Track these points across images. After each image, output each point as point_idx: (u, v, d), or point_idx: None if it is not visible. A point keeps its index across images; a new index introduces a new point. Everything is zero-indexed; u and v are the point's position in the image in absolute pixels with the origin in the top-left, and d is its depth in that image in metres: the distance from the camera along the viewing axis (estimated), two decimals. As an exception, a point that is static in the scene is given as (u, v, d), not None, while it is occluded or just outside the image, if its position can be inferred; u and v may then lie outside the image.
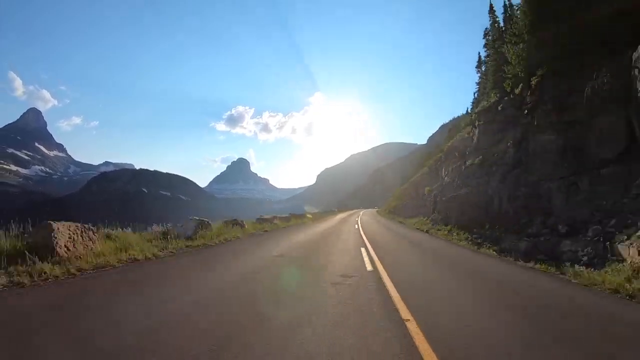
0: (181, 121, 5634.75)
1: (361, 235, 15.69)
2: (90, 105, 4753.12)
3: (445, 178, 22.71)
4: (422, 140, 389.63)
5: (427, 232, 18.04)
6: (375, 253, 9.80)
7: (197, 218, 11.94)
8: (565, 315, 4.53)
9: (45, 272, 5.25)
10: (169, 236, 9.90)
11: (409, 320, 3.98)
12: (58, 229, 6.20)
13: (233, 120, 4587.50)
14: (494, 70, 22.19)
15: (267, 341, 3.28)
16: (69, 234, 6.46)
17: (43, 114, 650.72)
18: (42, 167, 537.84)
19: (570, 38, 13.91)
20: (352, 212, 66.06)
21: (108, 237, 7.81)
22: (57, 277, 5.40)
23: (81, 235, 6.72)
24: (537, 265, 8.20)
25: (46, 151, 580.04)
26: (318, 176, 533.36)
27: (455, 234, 14.32)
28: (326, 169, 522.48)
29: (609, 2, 12.23)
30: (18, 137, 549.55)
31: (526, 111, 14.42)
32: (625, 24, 12.14)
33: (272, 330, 3.59)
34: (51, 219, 6.67)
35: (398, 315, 4.17)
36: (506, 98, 17.73)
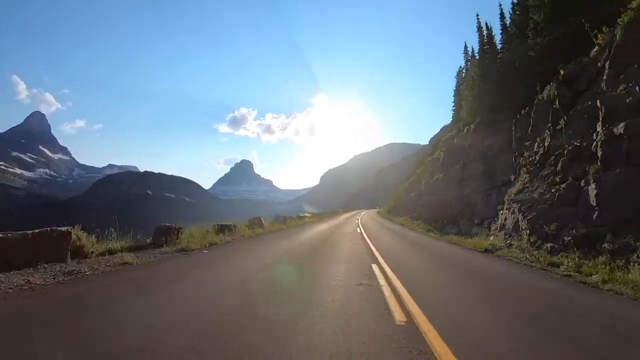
0: (184, 123, 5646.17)
1: (358, 224, 25.07)
2: (93, 108, 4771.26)
3: (422, 187, 30.91)
4: (424, 140, 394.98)
5: (403, 225, 26.68)
6: (364, 230, 18.22)
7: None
8: (444, 257, 12.55)
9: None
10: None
11: (377, 257, 12.06)
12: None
13: (236, 122, 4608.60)
14: (457, 108, 30.17)
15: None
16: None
17: (47, 117, 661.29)
18: (47, 170, 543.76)
19: (496, 97, 21.83)
20: (355, 212, 75.56)
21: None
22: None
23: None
24: (455, 239, 16.21)
25: (50, 154, 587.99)
26: (321, 177, 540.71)
27: (421, 225, 22.52)
28: (329, 170, 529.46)
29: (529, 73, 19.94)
30: (22, 141, 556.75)
31: (466, 146, 22.57)
32: (524, 96, 20.07)
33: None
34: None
35: (372, 253, 12.21)
36: (460, 133, 25.98)
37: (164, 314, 4.16)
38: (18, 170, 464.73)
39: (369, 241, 14.03)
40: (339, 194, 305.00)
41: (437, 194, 24.46)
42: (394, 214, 48.71)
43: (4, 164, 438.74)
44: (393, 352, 3.18)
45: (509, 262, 9.32)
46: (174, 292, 5.31)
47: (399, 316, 4.18)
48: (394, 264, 8.56)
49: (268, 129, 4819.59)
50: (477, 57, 28.92)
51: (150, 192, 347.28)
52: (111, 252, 8.26)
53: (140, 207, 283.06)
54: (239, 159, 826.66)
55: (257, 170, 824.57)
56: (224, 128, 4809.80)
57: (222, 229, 14.09)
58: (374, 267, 8.07)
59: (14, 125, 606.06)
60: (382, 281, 6.30)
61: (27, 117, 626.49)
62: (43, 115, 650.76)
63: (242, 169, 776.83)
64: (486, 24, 27.17)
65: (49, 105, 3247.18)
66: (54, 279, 5.71)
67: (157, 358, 2.94)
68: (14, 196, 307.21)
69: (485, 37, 26.51)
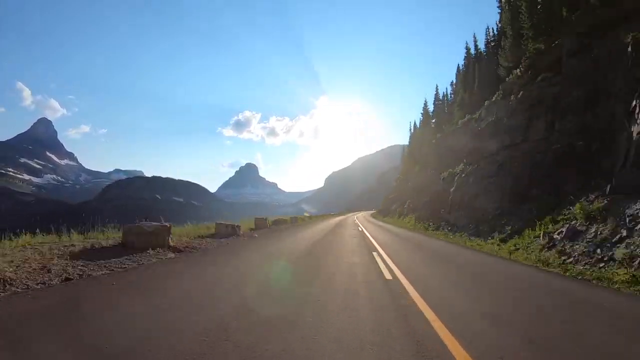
0: (188, 127, 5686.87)
1: (355, 219, 32.30)
2: (98, 114, 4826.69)
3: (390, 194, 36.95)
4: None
5: (384, 219, 32.91)
6: (357, 219, 24.55)
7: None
8: (419, 243, 18.58)
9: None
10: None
11: (367, 236, 18.04)
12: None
13: (240, 125, 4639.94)
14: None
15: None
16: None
17: (52, 123, 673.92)
18: (54, 176, 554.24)
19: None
20: (357, 212, 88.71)
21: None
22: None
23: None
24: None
25: (57, 160, 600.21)
26: (326, 179, 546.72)
27: (396, 222, 28.56)
28: (333, 172, 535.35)
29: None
30: (30, 147, 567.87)
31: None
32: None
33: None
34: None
35: (366, 235, 18.13)
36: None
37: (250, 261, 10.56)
38: (26, 177, 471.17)
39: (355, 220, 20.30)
40: (343, 196, 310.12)
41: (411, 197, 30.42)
42: (382, 214, 57.30)
43: (12, 170, 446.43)
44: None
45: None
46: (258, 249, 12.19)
47: (369, 242, 10.32)
48: (371, 232, 14.86)
49: (272, 132, 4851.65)
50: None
51: (159, 197, 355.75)
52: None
53: (151, 211, 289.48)
54: (243, 162, 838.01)
55: (261, 173, 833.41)
56: (228, 131, 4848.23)
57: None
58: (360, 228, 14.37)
59: (21, 132, 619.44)
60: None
61: (34, 124, 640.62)
62: (49, 122, 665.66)
63: (247, 172, 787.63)
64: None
65: (54, 111, 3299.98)
66: (174, 254, 10.79)
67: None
68: (25, 202, 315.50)
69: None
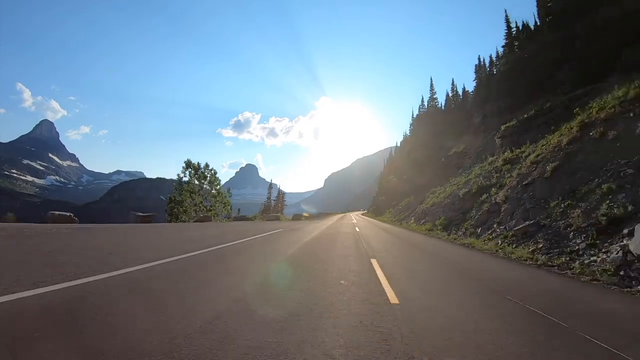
0: (188, 128, 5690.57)
1: (351, 215, 47.20)
2: (98, 114, 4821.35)
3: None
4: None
5: (364, 215, 48.03)
6: (352, 214, 39.59)
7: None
8: (413, 242, 33.26)
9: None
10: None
11: (358, 228, 32.88)
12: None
13: (240, 126, 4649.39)
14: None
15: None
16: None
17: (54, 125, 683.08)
18: (57, 177, 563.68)
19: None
20: (354, 211, 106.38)
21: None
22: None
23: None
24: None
25: (60, 161, 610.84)
26: (325, 180, 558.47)
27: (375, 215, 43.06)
28: (333, 173, 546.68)
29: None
30: (32, 149, 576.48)
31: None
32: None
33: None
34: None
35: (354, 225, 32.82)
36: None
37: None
38: (29, 178, 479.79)
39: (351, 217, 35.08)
40: (342, 196, 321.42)
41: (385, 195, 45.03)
42: (373, 213, 70.95)
43: (16, 171, 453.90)
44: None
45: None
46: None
47: (357, 228, 25.16)
48: (361, 227, 29.41)
49: (272, 133, 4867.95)
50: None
51: (163, 198, 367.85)
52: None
53: (156, 211, 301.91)
54: (243, 163, 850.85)
55: (261, 173, 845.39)
56: (227, 132, 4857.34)
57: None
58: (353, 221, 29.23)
59: (24, 134, 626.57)
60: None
61: (36, 125, 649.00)
62: (51, 123, 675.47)
63: (248, 173, 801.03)
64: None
65: (55, 112, 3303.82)
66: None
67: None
68: (31, 203, 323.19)
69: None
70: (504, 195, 13.31)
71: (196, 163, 34.06)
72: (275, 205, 61.95)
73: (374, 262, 7.25)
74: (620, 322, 3.62)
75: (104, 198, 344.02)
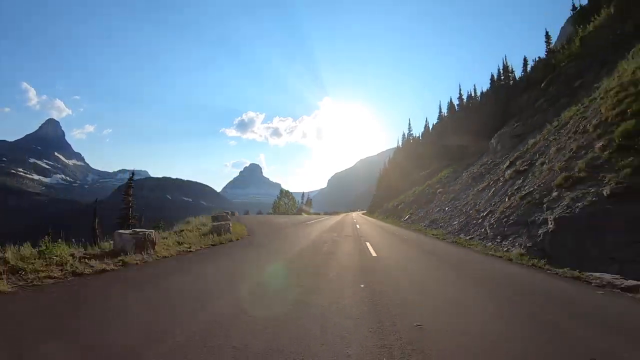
0: (192, 127, 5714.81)
1: (352, 214, 65.10)
2: (102, 114, 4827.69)
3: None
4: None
5: (362, 214, 64.69)
6: (353, 214, 57.72)
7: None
8: (404, 239, 49.89)
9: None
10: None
11: (356, 225, 49.62)
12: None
13: (244, 126, 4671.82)
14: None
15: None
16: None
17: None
18: (63, 176, 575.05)
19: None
20: (355, 211, 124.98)
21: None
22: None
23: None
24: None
25: (65, 160, 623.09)
26: (329, 180, 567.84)
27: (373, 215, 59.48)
28: (336, 173, 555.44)
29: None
30: (38, 147, 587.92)
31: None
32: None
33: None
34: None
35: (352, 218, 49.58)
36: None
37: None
38: (36, 177, 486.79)
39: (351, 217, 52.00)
40: (345, 196, 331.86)
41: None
42: (369, 212, 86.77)
43: (22, 170, 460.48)
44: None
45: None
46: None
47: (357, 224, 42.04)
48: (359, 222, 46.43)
49: (276, 132, 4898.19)
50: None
51: (169, 197, 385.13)
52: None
53: (163, 210, 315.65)
54: (247, 163, 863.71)
55: (265, 173, 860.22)
56: (231, 132, 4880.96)
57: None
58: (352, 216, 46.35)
59: (30, 132, 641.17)
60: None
61: (42, 124, 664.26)
62: (57, 122, 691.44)
63: (251, 173, 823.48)
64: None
65: (60, 112, 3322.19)
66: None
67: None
68: (39, 202, 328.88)
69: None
70: (427, 200, 30.00)
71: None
72: (300, 206, 78.42)
73: (358, 226, 24.08)
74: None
75: (111, 197, 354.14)
